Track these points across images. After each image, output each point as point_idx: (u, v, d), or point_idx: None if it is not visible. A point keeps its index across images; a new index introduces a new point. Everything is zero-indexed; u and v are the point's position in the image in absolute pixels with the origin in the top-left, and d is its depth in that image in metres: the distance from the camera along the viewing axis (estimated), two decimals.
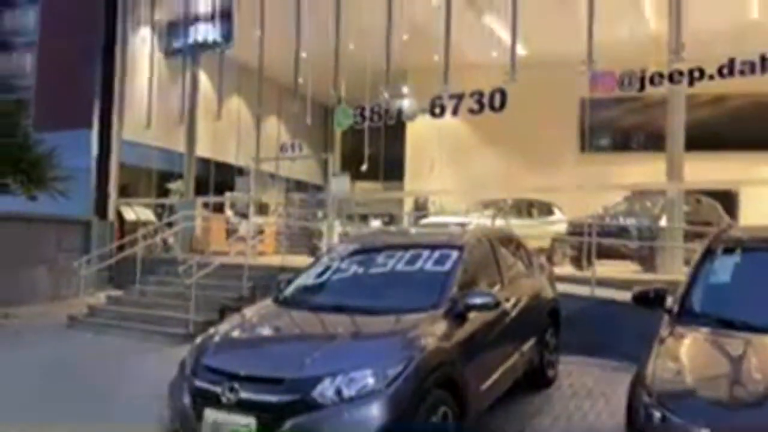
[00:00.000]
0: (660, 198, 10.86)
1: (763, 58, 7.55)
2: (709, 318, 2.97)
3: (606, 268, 9.87)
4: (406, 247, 4.56)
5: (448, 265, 4.20)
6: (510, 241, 5.71)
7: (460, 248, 4.45)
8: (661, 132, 10.33)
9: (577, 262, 10.72)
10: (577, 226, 10.98)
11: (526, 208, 13.64)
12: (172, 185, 15.03)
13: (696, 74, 7.90)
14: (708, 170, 15.21)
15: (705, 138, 17.19)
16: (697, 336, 2.86)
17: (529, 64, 16.05)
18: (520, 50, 15.91)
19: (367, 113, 10.42)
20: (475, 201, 14.22)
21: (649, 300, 3.38)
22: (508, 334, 4.61)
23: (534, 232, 12.27)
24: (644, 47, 11.30)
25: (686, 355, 2.75)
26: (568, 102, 17.23)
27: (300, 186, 20.54)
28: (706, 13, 12.80)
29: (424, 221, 13.46)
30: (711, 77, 7.83)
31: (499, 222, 11.79)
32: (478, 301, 3.94)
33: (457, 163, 18.45)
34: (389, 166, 19.46)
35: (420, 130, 17.65)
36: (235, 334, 3.92)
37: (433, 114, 9.99)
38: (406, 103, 11.48)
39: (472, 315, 4.00)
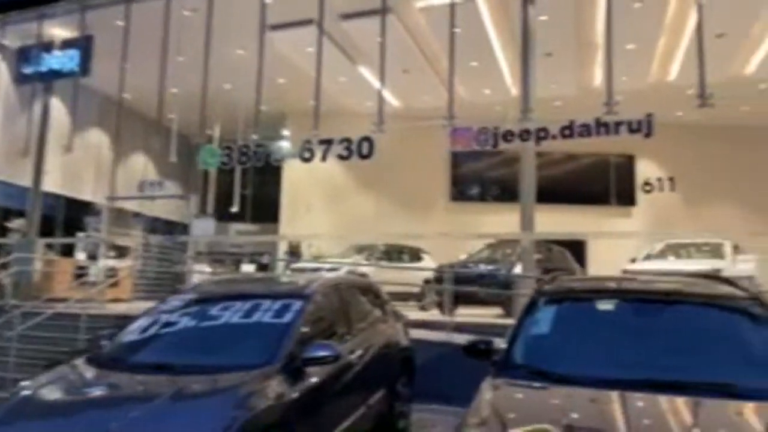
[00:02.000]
0: (518, 246, 11.59)
1: (597, 122, 8.43)
2: (527, 370, 3.01)
3: (473, 312, 10.22)
4: (246, 297, 4.31)
5: (288, 317, 4.02)
6: (364, 289, 5.66)
7: (305, 298, 4.30)
8: (516, 184, 11.15)
9: (441, 307, 10.99)
10: (442, 272, 11.40)
11: (397, 253, 13.88)
12: (13, 224, 13.41)
13: (542, 133, 8.62)
14: (560, 221, 16.66)
15: (558, 192, 18.96)
16: (511, 389, 2.89)
17: (405, 115, 16.89)
18: (394, 102, 16.73)
19: (235, 154, 10.10)
20: (348, 246, 14.25)
21: (479, 351, 3.42)
22: (354, 386, 4.47)
23: (405, 277, 12.52)
24: (506, 108, 12.33)
25: (499, 409, 2.75)
26: (439, 153, 18.11)
27: (170, 225, 19.39)
28: (556, 81, 14.33)
29: (295, 266, 13.17)
30: (554, 137, 8.57)
31: (367, 268, 11.85)
32: (317, 354, 3.78)
33: (333, 207, 18.52)
34: (266, 208, 19.08)
35: (297, 173, 17.56)
36: (32, 397, 3.39)
37: (303, 158, 9.92)
38: (279, 146, 11.34)
39: (312, 369, 3.83)
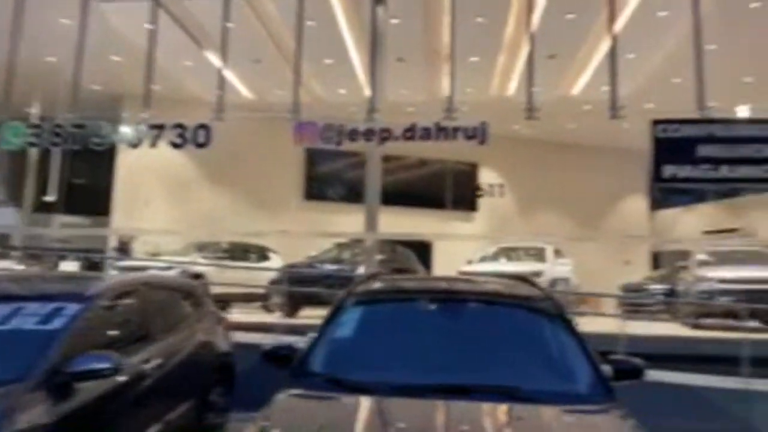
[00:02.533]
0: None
1: (437, 127, 8.62)
2: (322, 378, 2.79)
3: (316, 313, 9.94)
4: (7, 299, 3.59)
5: (57, 323, 3.39)
6: (177, 290, 5.10)
7: (85, 300, 3.68)
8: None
9: (285, 308, 10.61)
10: (287, 272, 11.06)
11: (242, 252, 13.22)
12: None
13: (385, 134, 8.62)
14: (409, 224, 17.21)
15: (409, 195, 19.58)
16: (294, 401, 2.65)
17: (258, 108, 16.26)
18: (246, 93, 16.01)
19: (46, 134, 8.79)
20: (189, 242, 13.26)
21: (279, 358, 3.13)
22: (147, 401, 3.94)
23: (251, 277, 11.93)
24: (361, 109, 12.31)
25: (285, 420, 2.50)
26: (294, 149, 17.67)
27: None
28: (407, 86, 14.68)
29: (120, 264, 11.94)
30: (397, 138, 8.62)
31: (207, 268, 11.10)
32: (89, 367, 3.21)
33: (177, 201, 17.21)
34: (101, 199, 17.18)
35: (135, 162, 16.02)
36: None
37: (131, 144, 8.93)
38: (103, 126, 10.13)
39: (87, 385, 3.25)
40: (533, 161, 19.69)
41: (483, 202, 20.24)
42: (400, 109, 13.60)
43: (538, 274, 9.94)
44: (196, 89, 14.99)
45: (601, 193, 20.30)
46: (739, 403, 6.07)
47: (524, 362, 2.73)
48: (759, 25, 11.39)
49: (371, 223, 9.99)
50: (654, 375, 6.30)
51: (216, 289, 12.03)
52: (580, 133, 18.67)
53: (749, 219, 20.19)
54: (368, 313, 3.25)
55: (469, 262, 11.85)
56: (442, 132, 8.60)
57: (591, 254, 17.10)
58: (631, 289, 13.92)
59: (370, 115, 9.16)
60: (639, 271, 17.63)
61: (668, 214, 23.70)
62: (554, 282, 9.72)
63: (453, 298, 3.39)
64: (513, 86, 15.26)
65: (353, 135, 8.70)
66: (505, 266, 10.69)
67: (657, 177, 7.99)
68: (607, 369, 2.77)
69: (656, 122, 7.96)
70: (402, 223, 16.52)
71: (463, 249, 14.78)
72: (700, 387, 6.17)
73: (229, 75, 14.84)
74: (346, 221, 15.10)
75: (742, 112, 12.56)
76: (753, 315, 9.30)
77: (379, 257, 11.29)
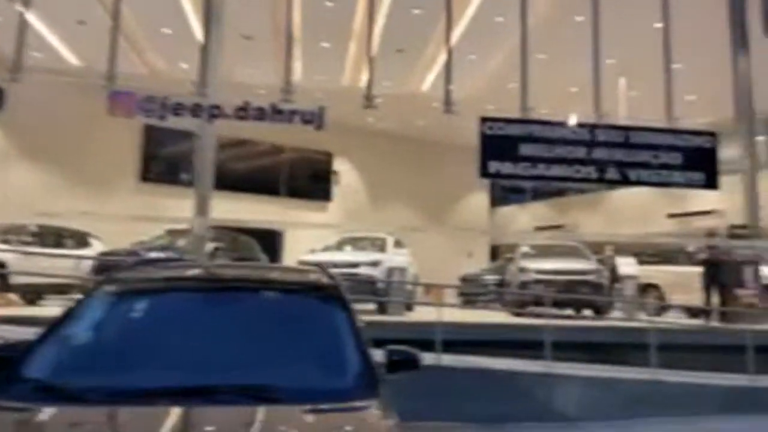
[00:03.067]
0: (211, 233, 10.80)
1: (273, 108, 8.21)
2: (31, 384, 2.25)
3: None
4: None
5: None
6: None
7: None
8: (218, 171, 10.32)
9: None
10: (107, 261, 9.92)
11: (55, 237, 11.64)
12: None
13: (216, 111, 8.02)
14: (260, 211, 16.59)
15: (261, 182, 18.89)
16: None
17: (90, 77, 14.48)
18: (72, 59, 14.19)
19: None
20: None
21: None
22: None
23: (67, 265, 10.52)
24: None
25: None
26: (130, 126, 16.08)
27: None
28: (256, 67, 13.97)
29: None
30: (228, 116, 8.06)
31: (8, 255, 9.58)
32: None
33: None
34: None
35: None
36: None
37: None
38: None
39: None
40: (386, 155, 19.99)
41: (337, 193, 20.16)
42: (251, 90, 12.92)
43: (375, 263, 9.97)
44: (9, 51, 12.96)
45: (448, 189, 21.24)
46: (541, 386, 6.48)
47: (284, 357, 2.45)
48: (584, 36, 12.47)
49: (202, 208, 9.29)
50: (461, 361, 6.53)
51: (22, 279, 10.65)
52: (429, 130, 19.29)
53: (574, 217, 22.43)
54: (111, 307, 2.73)
55: (312, 252, 11.58)
56: (277, 114, 8.22)
57: (438, 246, 17.83)
58: (468, 280, 14.67)
59: (201, 90, 8.47)
60: (480, 263, 18.72)
61: (506, 210, 25.55)
62: (391, 271, 9.79)
63: (215, 288, 3.02)
64: (365, 77, 15.25)
65: (178, 109, 7.98)
66: (343, 256, 10.58)
67: (483, 172, 8.37)
68: (379, 360, 2.59)
69: (484, 120, 8.31)
70: (252, 210, 15.86)
71: (313, 238, 14.51)
72: (507, 371, 6.49)
73: (49, 36, 13.07)
74: (182, 205, 14.06)
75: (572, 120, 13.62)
76: (567, 303, 10.19)
77: (214, 245, 10.61)
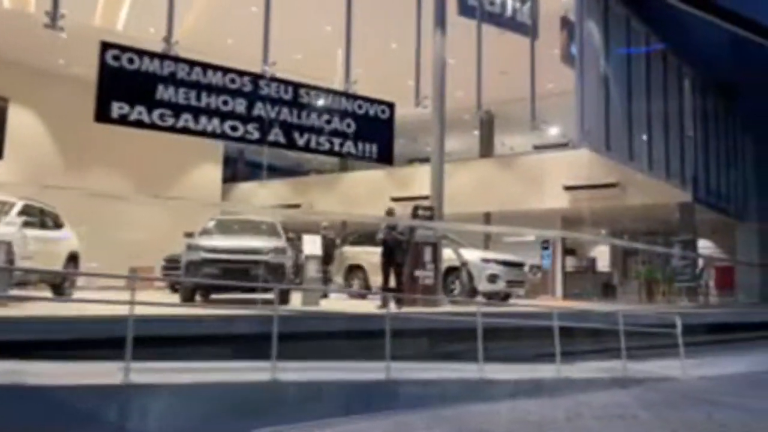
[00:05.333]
0: None
1: None
2: None
3: None
4: None
5: None
6: None
7: None
8: None
9: None
10: None
11: None
12: None
13: None
14: None
15: None
16: None
17: None
18: None
19: None
20: None
21: None
22: None
23: None
24: None
25: None
26: None
27: None
28: None
29: None
30: None
31: None
32: None
33: None
34: None
35: None
36: None
37: None
38: None
39: None
40: (88, 108, 16.45)
41: (16, 148, 15.90)
42: None
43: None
44: None
45: (172, 157, 18.51)
46: (112, 403, 4.79)
47: None
48: None
49: None
50: None
51: None
52: None
53: (312, 196, 21.75)
54: None
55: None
56: None
57: (159, 224, 15.23)
58: (173, 260, 12.57)
59: None
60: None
61: (246, 187, 23.94)
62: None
63: None
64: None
65: None
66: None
67: (101, 114, 6.37)
68: None
69: (107, 46, 6.30)
70: None
71: None
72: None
73: None
74: None
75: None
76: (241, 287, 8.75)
77: None
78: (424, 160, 25.70)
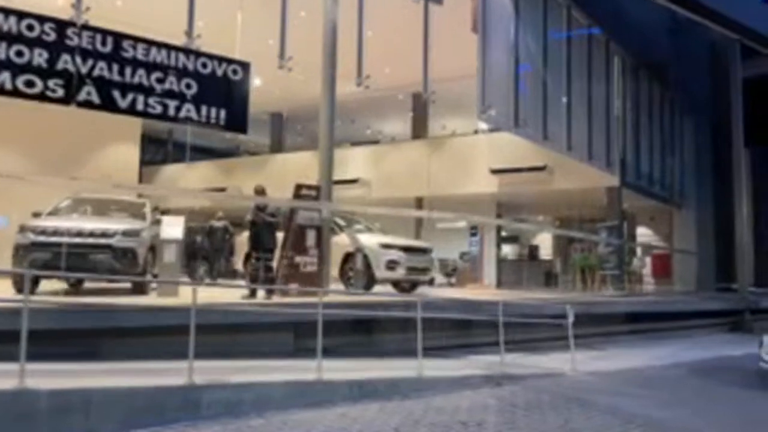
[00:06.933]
0: None
1: None
2: None
3: None
4: None
5: None
6: None
7: None
8: None
9: None
10: None
11: None
12: None
13: None
14: None
15: None
16: None
17: None
18: None
19: None
20: None
21: None
22: None
23: None
24: None
25: None
26: None
27: None
28: None
29: None
30: None
31: None
32: None
33: None
34: None
35: None
36: None
37: None
38: None
39: None
40: None
41: None
42: None
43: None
44: None
45: (81, 136, 17.09)
46: None
47: None
48: None
49: None
50: None
51: None
52: None
53: (240, 178, 20.56)
54: None
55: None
56: None
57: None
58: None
59: None
60: None
61: (172, 169, 22.63)
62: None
63: None
64: None
65: None
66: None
67: None
68: None
69: None
70: None
71: None
72: None
73: None
74: None
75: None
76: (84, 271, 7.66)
77: None
78: (374, 142, 24.82)
